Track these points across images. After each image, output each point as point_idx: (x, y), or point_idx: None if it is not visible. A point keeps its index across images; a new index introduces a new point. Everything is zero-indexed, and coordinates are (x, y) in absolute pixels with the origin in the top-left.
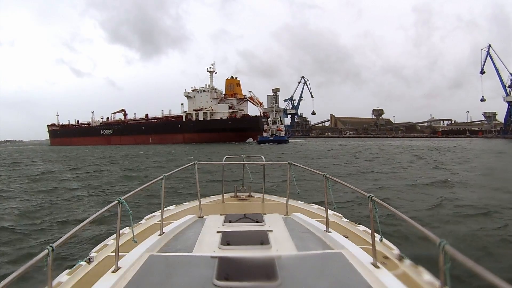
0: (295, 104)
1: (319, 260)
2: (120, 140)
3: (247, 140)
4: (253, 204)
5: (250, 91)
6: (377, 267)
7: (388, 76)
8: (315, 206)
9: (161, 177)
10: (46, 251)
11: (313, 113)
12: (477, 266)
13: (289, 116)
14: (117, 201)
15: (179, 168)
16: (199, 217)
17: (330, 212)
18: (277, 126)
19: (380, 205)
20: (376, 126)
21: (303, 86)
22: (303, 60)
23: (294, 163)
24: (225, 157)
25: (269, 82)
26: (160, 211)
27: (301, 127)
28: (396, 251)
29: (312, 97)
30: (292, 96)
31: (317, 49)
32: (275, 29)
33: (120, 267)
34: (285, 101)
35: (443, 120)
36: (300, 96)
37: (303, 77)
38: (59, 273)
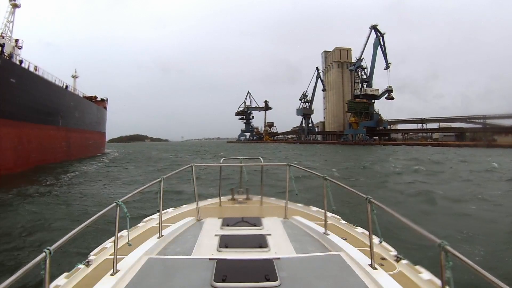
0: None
1: (318, 262)
2: None
3: None
4: (250, 207)
5: None
6: (374, 268)
7: None
8: (314, 208)
9: (159, 179)
10: (44, 254)
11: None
12: (476, 266)
13: (304, 117)
14: (115, 204)
15: (177, 170)
16: (197, 220)
17: (329, 214)
18: None
19: (378, 207)
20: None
21: (317, 80)
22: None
23: (293, 164)
24: (222, 159)
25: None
26: (158, 213)
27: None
28: (393, 252)
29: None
30: (305, 92)
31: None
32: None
33: (119, 270)
34: (300, 100)
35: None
36: (314, 91)
37: (317, 67)
38: (57, 277)
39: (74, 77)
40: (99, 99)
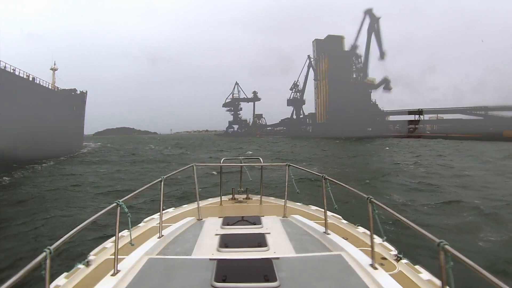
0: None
1: (318, 262)
2: None
3: None
4: (250, 206)
5: None
6: (376, 268)
7: None
8: (314, 207)
9: (160, 179)
10: (44, 253)
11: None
12: (476, 266)
13: (294, 108)
14: (115, 204)
15: (178, 170)
16: (197, 220)
17: (329, 213)
18: None
19: (379, 207)
20: None
21: (308, 69)
22: None
23: (292, 164)
24: (222, 159)
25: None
26: (159, 213)
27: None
28: (394, 252)
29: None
30: (296, 82)
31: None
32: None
33: (119, 270)
34: (291, 89)
35: None
36: (305, 80)
37: (308, 56)
38: (57, 277)
39: (53, 69)
40: (78, 92)
